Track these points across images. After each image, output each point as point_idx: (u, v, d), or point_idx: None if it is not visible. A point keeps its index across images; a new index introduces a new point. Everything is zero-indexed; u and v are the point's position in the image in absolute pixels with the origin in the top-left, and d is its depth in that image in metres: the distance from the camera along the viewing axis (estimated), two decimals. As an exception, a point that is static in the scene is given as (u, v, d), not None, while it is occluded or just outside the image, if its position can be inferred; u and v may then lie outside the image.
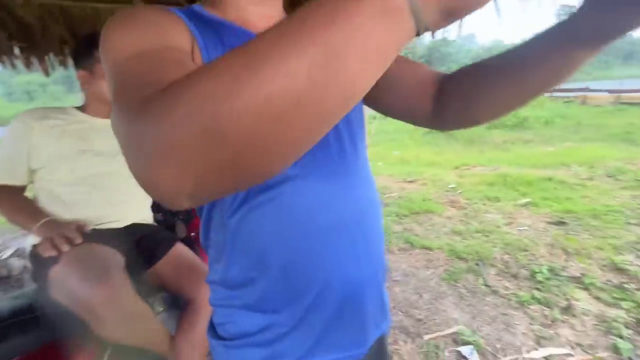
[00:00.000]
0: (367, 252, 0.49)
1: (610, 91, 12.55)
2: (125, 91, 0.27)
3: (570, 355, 1.52)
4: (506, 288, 2.06)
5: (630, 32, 0.31)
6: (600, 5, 0.31)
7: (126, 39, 0.33)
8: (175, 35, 0.38)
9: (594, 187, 3.82)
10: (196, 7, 0.46)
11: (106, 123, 1.18)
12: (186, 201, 0.23)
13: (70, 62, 1.90)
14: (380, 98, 0.52)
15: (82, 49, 1.14)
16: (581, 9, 0.33)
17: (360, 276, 0.47)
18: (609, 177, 4.16)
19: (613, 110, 9.80)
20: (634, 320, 1.71)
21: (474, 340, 1.63)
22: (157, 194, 0.23)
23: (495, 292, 2.02)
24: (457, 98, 0.47)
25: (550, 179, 4.13)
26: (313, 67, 0.19)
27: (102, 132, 1.17)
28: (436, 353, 1.59)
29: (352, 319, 0.48)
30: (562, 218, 2.99)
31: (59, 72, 2.12)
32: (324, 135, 0.25)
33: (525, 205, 3.41)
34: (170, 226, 1.48)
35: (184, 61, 0.32)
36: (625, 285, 1.97)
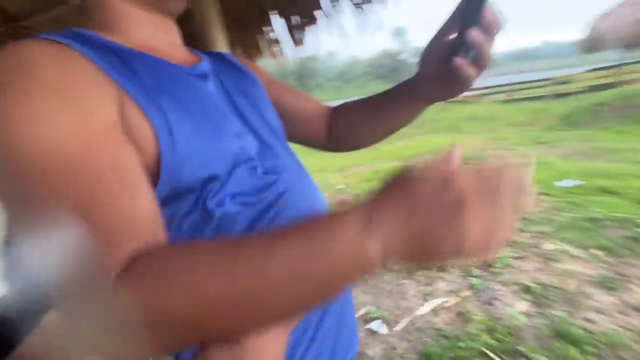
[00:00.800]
0: None
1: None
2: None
3: (447, 301, 1.93)
4: (396, 263, 2.44)
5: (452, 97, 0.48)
6: (431, 79, 0.47)
7: (32, 117, 0.25)
8: (98, 101, 0.30)
9: (441, 168, 4.88)
10: (85, 33, 0.37)
11: None
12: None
13: None
14: (285, 128, 0.58)
15: None
16: (418, 76, 0.49)
17: None
18: (448, 159, 5.38)
19: (444, 107, 12.63)
20: (480, 261, 2.28)
21: (380, 315, 1.88)
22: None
23: (389, 270, 2.37)
24: (343, 130, 0.63)
25: (411, 167, 5.05)
26: (309, 300, 0.27)
27: None
28: (352, 337, 1.76)
29: (349, 315, 0.51)
30: (424, 197, 3.71)
31: None
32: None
33: (398, 192, 4.07)
34: None
35: (121, 167, 0.28)
36: (471, 238, 2.61)
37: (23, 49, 0.29)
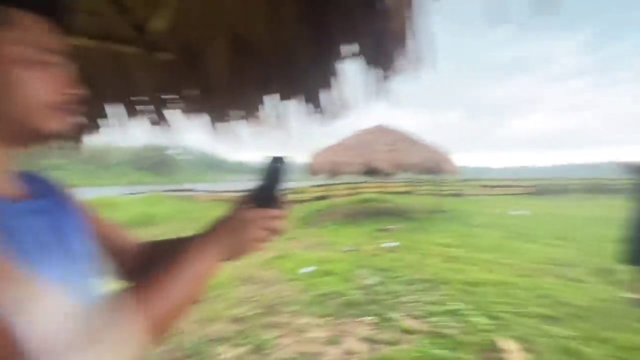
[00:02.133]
0: None
1: (206, 191, 17.25)
2: None
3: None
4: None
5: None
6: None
7: None
8: None
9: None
10: None
11: None
12: None
13: None
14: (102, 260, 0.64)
15: None
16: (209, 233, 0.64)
17: None
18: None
19: (214, 203, 13.47)
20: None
21: None
22: None
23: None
24: (141, 265, 0.69)
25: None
26: (190, 301, 0.48)
27: None
28: None
29: None
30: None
31: None
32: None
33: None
34: None
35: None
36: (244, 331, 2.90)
37: None
